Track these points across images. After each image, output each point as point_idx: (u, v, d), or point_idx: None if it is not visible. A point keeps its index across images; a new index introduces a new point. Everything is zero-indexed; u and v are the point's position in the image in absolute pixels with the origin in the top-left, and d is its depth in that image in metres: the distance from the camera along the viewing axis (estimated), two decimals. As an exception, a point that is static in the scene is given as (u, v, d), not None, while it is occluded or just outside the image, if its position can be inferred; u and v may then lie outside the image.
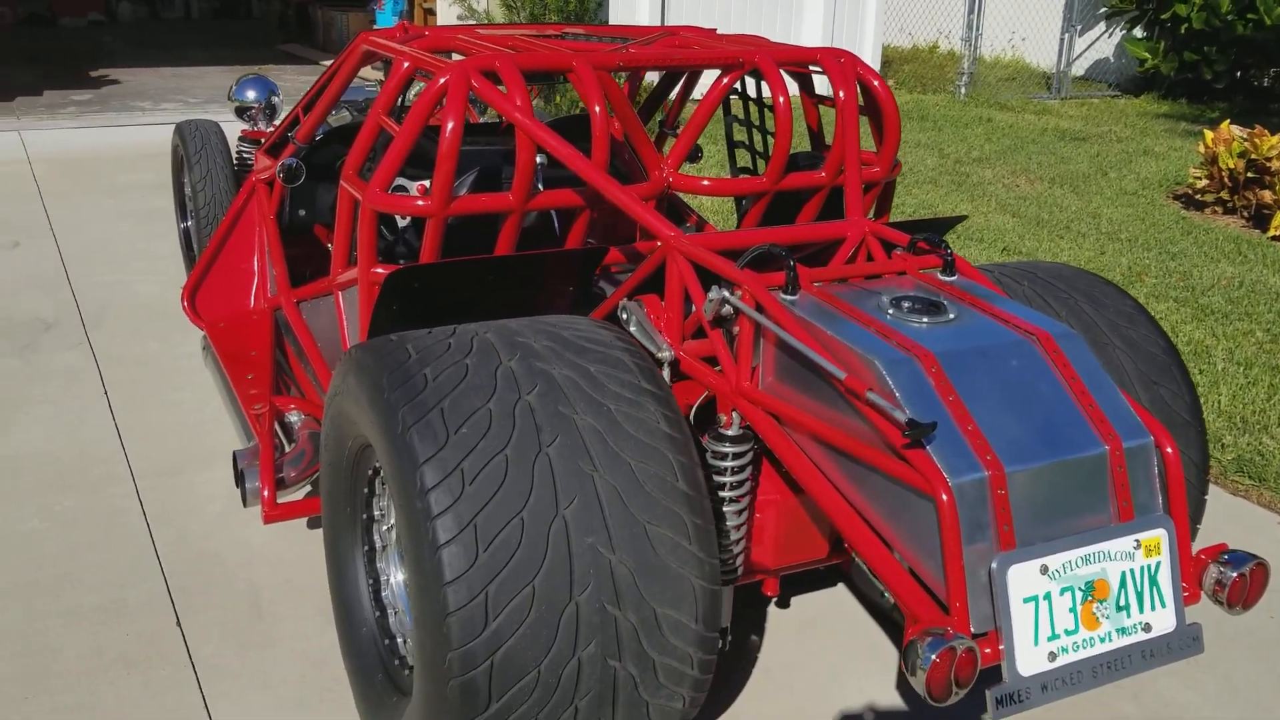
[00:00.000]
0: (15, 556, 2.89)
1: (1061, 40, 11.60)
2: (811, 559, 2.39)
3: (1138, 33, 11.70)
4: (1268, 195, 6.68)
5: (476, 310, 2.53)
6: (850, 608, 2.79)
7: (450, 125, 2.38)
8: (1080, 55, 12.68)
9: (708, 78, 3.67)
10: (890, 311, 2.00)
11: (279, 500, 2.73)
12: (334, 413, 2.22)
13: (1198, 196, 7.19)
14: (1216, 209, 7.08)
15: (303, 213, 3.59)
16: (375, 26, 11.06)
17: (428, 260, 2.52)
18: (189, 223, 4.82)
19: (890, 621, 2.72)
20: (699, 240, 2.27)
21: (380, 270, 2.57)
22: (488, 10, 8.99)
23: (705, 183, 2.81)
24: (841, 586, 2.87)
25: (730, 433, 2.18)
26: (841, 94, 2.75)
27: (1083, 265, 5.70)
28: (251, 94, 4.76)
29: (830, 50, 2.85)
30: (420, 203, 2.46)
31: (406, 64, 2.63)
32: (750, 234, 2.34)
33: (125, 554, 2.92)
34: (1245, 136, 6.92)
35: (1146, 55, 11.17)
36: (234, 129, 4.81)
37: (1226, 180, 6.96)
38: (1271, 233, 6.48)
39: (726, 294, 2.11)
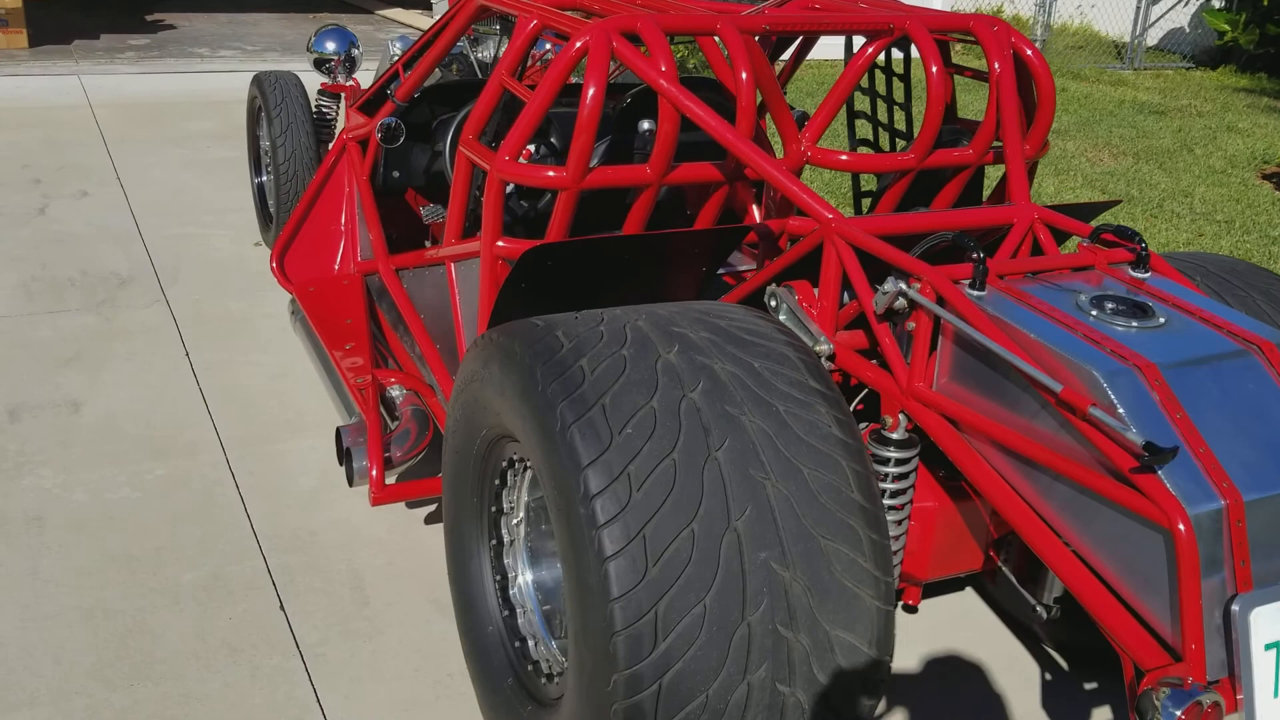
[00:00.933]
0: (111, 527, 2.78)
1: (1137, 9, 11.22)
2: (966, 570, 2.24)
3: (1215, 3, 11.30)
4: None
5: (605, 290, 2.38)
6: (981, 616, 2.64)
7: (592, 92, 2.21)
8: (1152, 24, 12.28)
9: (826, 42, 3.46)
10: (1093, 313, 1.82)
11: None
12: (467, 399, 2.07)
13: None
14: None
15: (397, 174, 3.43)
16: (434, -24, 10.81)
17: (557, 236, 2.36)
18: (264, 177, 4.68)
19: (1029, 634, 2.57)
20: (861, 224, 2.09)
21: (504, 244, 2.41)
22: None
23: (843, 158, 2.63)
24: (969, 592, 2.72)
25: (895, 436, 2.03)
26: (997, 65, 2.55)
27: (1181, 248, 5.47)
28: (331, 46, 4.58)
29: (983, 17, 2.64)
30: (551, 173, 2.30)
31: (534, 22, 2.45)
32: (913, 218, 2.17)
33: (221, 528, 2.80)
34: (1348, 116, 6.63)
35: (1226, 27, 10.79)
36: (310, 80, 4.64)
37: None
38: (1373, 218, 6.21)
39: (903, 286, 1.94)
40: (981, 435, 1.86)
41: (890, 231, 2.13)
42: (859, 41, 2.74)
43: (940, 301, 1.90)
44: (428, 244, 3.68)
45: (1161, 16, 12.20)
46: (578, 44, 2.26)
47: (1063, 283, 1.97)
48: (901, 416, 2.01)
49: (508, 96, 2.64)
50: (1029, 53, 2.65)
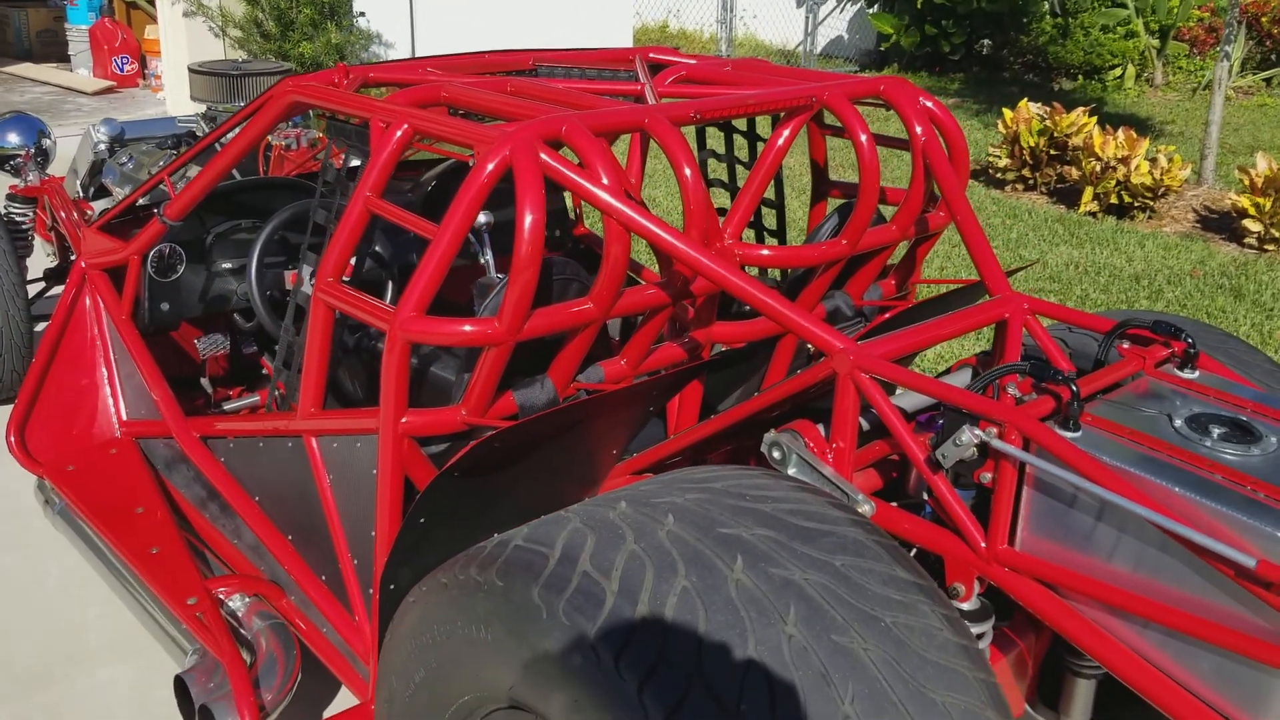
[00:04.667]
0: None
1: (807, 17, 11.67)
2: None
3: (871, 10, 11.98)
4: (1073, 172, 6.84)
5: (543, 457, 1.89)
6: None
7: (530, 221, 1.71)
8: (812, 31, 12.86)
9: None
10: (1207, 443, 1.56)
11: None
12: (438, 664, 1.53)
13: (998, 175, 7.30)
14: (1017, 186, 7.21)
15: (166, 306, 2.73)
16: (67, 25, 9.48)
17: (483, 399, 1.84)
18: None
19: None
20: (880, 349, 1.74)
21: (408, 419, 1.85)
22: (220, 4, 7.82)
23: (765, 253, 2.27)
24: None
25: (968, 607, 1.69)
26: (919, 129, 2.28)
27: (929, 261, 5.54)
28: (14, 138, 3.71)
29: (892, 79, 2.37)
30: (471, 328, 1.77)
31: (405, 127, 1.91)
32: (916, 334, 1.84)
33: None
34: (1044, 115, 7.07)
35: (890, 30, 11.43)
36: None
37: (1028, 158, 7.09)
38: (1083, 209, 6.63)
39: (979, 434, 1.59)
40: (1089, 599, 1.56)
41: (901, 353, 1.79)
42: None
43: (1036, 450, 1.57)
44: (204, 381, 2.97)
45: (822, 21, 12.79)
46: (492, 161, 1.75)
47: (1133, 401, 1.70)
48: (976, 584, 1.67)
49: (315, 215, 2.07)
50: (937, 112, 2.40)
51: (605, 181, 1.78)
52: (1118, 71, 11.16)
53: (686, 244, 1.77)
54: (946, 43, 11.14)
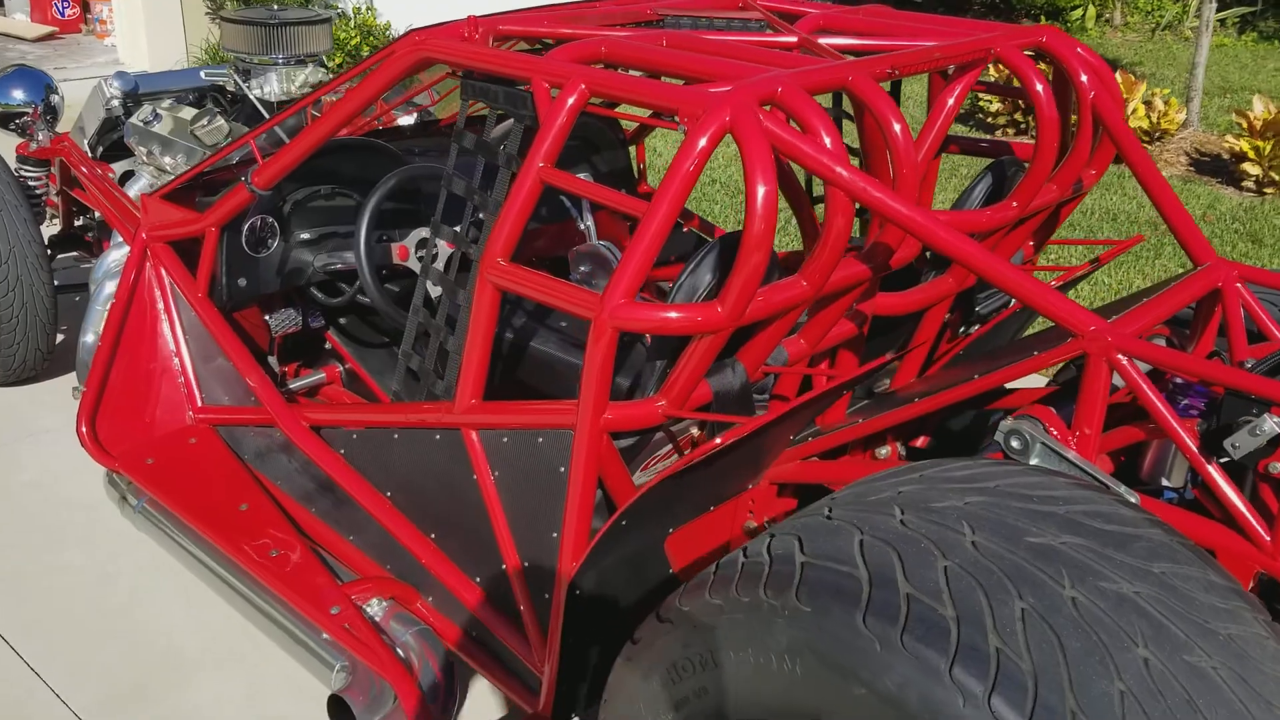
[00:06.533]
0: None
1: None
2: None
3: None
4: (1069, 116, 6.79)
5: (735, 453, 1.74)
6: None
7: (763, 192, 1.54)
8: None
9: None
10: None
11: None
12: (711, 689, 1.39)
13: (989, 120, 7.23)
14: (1009, 130, 7.15)
15: (243, 282, 2.50)
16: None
17: (686, 389, 1.68)
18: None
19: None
20: (1132, 327, 1.62)
21: (611, 415, 1.67)
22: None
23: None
24: None
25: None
26: (1084, 78, 2.14)
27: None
28: (20, 94, 3.40)
29: (1053, 30, 2.22)
30: (682, 315, 1.60)
31: (581, 88, 1.71)
32: (1155, 306, 1.73)
33: None
34: (1037, 58, 6.99)
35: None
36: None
37: (1021, 103, 7.02)
38: (1080, 153, 6.59)
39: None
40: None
41: (1149, 330, 1.68)
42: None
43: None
44: (272, 359, 2.75)
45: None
46: (710, 129, 1.57)
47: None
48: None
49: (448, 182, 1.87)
50: (1094, 62, 2.27)
51: (829, 145, 1.62)
52: (1079, 12, 11.15)
53: (923, 216, 1.62)
54: (912, -18, 10.99)
